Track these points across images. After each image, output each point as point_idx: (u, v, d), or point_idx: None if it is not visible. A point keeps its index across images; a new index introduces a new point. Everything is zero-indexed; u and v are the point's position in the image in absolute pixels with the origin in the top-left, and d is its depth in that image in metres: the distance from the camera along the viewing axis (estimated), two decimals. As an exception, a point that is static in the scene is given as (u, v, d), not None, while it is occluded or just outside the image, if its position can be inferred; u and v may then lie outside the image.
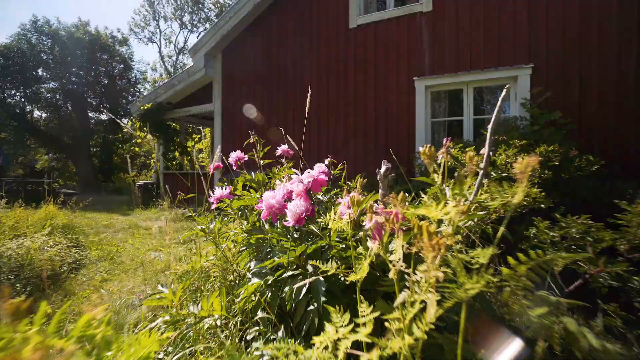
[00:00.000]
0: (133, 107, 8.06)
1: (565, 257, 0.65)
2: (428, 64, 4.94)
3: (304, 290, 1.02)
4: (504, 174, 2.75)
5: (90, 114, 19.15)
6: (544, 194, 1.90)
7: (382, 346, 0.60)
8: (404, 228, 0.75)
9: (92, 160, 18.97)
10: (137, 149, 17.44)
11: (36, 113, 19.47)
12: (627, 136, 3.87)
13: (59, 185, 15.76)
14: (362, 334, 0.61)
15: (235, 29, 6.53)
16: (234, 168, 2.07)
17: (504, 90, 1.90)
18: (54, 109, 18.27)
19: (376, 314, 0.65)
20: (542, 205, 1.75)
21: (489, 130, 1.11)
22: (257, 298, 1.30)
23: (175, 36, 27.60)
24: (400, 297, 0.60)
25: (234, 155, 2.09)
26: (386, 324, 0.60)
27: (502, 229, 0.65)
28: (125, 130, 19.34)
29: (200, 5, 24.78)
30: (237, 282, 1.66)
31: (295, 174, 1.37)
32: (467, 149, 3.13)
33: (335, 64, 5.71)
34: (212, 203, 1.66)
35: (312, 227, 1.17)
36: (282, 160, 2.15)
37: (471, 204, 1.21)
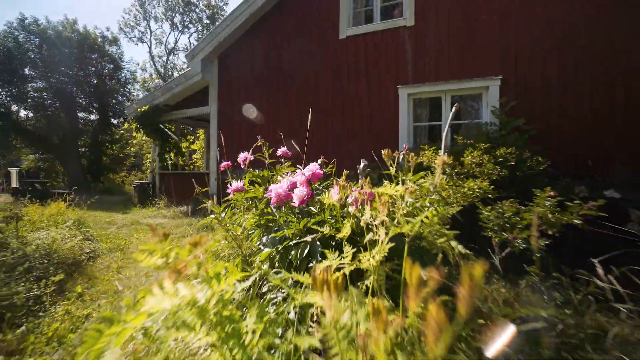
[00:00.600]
0: (129, 109, 8.29)
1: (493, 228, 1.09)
2: (410, 74, 5.43)
3: (306, 250, 1.44)
4: (470, 172, 3.24)
5: (79, 114, 19.01)
6: (492, 187, 2.37)
7: (357, 266, 1.02)
8: (370, 200, 1.18)
9: (80, 161, 18.84)
10: (132, 149, 17.45)
11: (22, 112, 19.21)
12: (579, 142, 4.43)
13: (49, 185, 15.64)
14: (346, 260, 1.03)
15: (232, 35, 6.89)
16: (242, 166, 2.44)
17: (454, 107, 2.40)
18: (41, 108, 18.09)
19: (354, 250, 1.07)
20: (490, 196, 2.22)
21: (443, 138, 1.55)
22: (268, 263, 1.71)
23: (166, 36, 27.54)
24: (368, 237, 1.02)
25: (242, 156, 2.46)
26: (359, 255, 1.03)
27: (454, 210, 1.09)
28: (118, 131, 19.30)
29: (192, 7, 24.87)
30: (248, 255, 2.06)
31: (298, 169, 1.79)
32: (439, 152, 3.60)
33: (327, 71, 6.15)
34: (230, 193, 2.04)
35: (311, 207, 1.58)
36: (282, 159, 2.56)
37: (432, 192, 1.65)
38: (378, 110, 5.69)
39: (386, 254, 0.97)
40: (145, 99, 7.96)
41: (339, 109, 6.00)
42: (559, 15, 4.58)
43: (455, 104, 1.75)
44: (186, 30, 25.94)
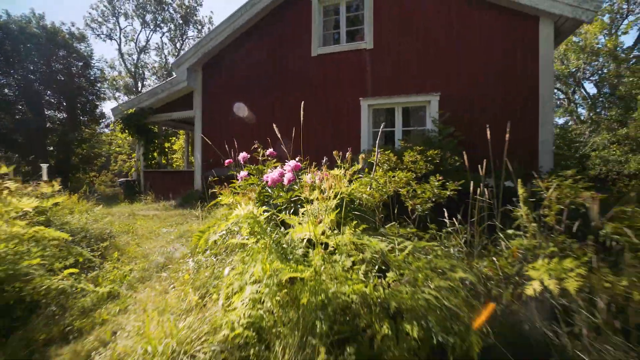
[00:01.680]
0: (115, 111, 8.78)
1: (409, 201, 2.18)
2: (370, 88, 6.61)
3: (292, 210, 2.45)
4: (408, 167, 4.41)
5: (48, 113, 18.49)
6: (415, 180, 3.52)
7: (320, 207, 2.05)
8: (329, 178, 2.23)
9: (48, 160, 18.33)
10: (117, 148, 17.32)
11: (-19, 110, 18.28)
12: (491, 146, 5.80)
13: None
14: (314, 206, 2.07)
15: (216, 47, 7.70)
16: (242, 163, 3.38)
17: (382, 125, 3.57)
18: (5, 106, 17.41)
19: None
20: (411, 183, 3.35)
21: (371, 144, 2.64)
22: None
23: (137, 34, 27.07)
24: (328, 194, 2.06)
25: (241, 155, 3.40)
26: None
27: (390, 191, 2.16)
28: (89, 130, 18.98)
29: (165, 5, 24.77)
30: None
31: (283, 164, 2.80)
32: (388, 152, 4.76)
33: (301, 82, 7.17)
34: (239, 179, 3.00)
35: (294, 186, 2.60)
36: (269, 158, 3.53)
37: (371, 179, 2.74)
38: (344, 117, 6.81)
39: (337, 204, 2.02)
40: (131, 102, 8.52)
41: (312, 115, 7.04)
42: (479, 51, 5.95)
43: (383, 123, 2.75)
44: (158, 29, 25.75)
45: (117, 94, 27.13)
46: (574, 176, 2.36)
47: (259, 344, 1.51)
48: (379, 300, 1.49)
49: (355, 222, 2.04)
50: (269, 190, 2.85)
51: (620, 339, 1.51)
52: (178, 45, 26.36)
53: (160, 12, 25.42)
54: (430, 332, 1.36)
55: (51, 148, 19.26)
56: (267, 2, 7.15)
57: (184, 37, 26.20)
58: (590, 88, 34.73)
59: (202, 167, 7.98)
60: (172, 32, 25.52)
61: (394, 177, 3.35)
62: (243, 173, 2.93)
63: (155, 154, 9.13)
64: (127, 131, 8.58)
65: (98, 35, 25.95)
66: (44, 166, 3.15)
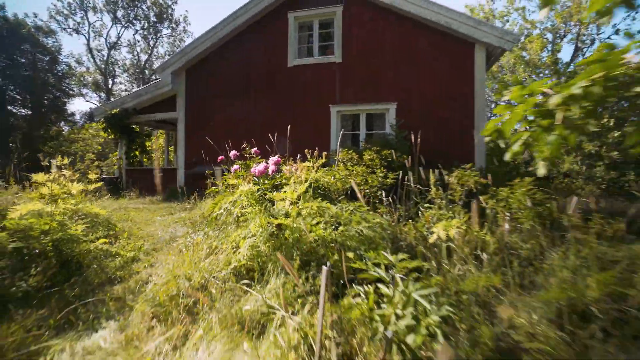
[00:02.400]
0: (98, 110, 9.13)
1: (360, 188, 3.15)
2: (338, 96, 7.62)
3: (275, 193, 3.35)
4: (367, 164, 5.43)
5: (12, 109, 17.81)
6: (371, 175, 4.54)
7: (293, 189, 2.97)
8: (301, 168, 3.17)
9: (11, 157, 17.65)
10: (99, 147, 17.03)
11: None
12: (437, 147, 7.04)
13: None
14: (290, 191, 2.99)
15: (200, 54, 8.36)
16: (232, 159, 4.22)
17: (341, 132, 4.66)
18: (-37, 101, 16.61)
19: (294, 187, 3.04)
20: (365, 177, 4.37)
21: (338, 144, 3.61)
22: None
23: (107, 30, 26.40)
24: (301, 181, 2.99)
25: (232, 153, 4.24)
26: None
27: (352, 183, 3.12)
28: (56, 128, 18.48)
29: (137, 2, 24.45)
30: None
31: (266, 161, 3.69)
32: (351, 151, 5.78)
33: (278, 89, 8.03)
34: (232, 172, 3.84)
35: (276, 176, 3.50)
36: (253, 155, 4.40)
37: (333, 171, 3.72)
38: (317, 121, 7.77)
39: (307, 187, 2.95)
40: (115, 102, 8.93)
41: (289, 118, 7.92)
42: (427, 69, 7.16)
43: (342, 130, 3.68)
44: (131, 25, 25.33)
45: (84, 91, 26.30)
46: (470, 168, 3.48)
47: (257, 271, 2.41)
48: (331, 240, 2.44)
49: (319, 198, 2.99)
50: (256, 179, 3.73)
51: (476, 263, 2.56)
52: (151, 43, 26.07)
53: (133, 8, 25.04)
54: (361, 257, 2.33)
55: (13, 145, 18.54)
56: (247, 17, 7.95)
57: (158, 35, 25.97)
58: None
59: (185, 165, 8.60)
60: (145, 29, 25.21)
61: (353, 171, 4.35)
62: (235, 167, 3.78)
63: (137, 153, 9.57)
64: (109, 130, 8.97)
65: (64, 28, 25.02)
66: (54, 162, 3.75)
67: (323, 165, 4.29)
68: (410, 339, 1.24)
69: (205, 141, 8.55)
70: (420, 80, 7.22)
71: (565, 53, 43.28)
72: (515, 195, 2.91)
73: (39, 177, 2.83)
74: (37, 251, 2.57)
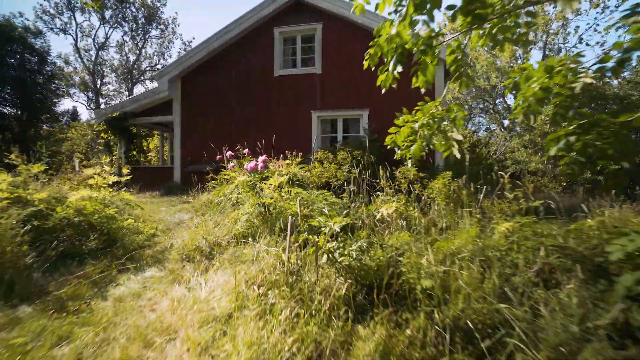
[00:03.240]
0: (98, 113, 9.91)
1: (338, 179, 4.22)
2: (319, 103, 8.70)
3: (263, 183, 4.39)
4: (340, 162, 6.54)
5: (4, 110, 18.06)
6: (339, 170, 5.64)
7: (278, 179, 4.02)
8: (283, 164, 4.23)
9: (2, 157, 17.93)
10: (99, 147, 17.48)
11: None
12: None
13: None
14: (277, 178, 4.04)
15: (195, 63, 9.27)
16: (228, 158, 5.23)
17: (319, 135, 5.88)
18: (-47, 101, 16.79)
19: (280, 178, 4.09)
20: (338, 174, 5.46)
21: (316, 145, 4.68)
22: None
23: (95, 30, 26.64)
24: (285, 173, 4.04)
25: (228, 153, 5.26)
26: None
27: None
28: (47, 128, 18.80)
29: (126, 4, 24.82)
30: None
31: (256, 160, 4.73)
32: (327, 152, 6.87)
33: (266, 96, 9.04)
34: (228, 168, 4.85)
35: (264, 171, 4.54)
36: (245, 155, 5.42)
37: (308, 167, 4.81)
38: (300, 125, 8.82)
39: (287, 179, 4.01)
40: (115, 106, 9.73)
41: (275, 122, 8.95)
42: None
43: (321, 133, 4.71)
44: (119, 26, 25.65)
45: (72, 91, 26.46)
46: (415, 165, 4.63)
47: (251, 236, 3.46)
48: (303, 214, 3.50)
49: (296, 187, 4.05)
50: (249, 174, 4.76)
51: (408, 232, 3.67)
52: (140, 44, 26.46)
53: (122, 9, 25.39)
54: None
55: (3, 145, 18.77)
56: (237, 31, 8.92)
57: (147, 36, 26.38)
58: (510, 99, 40.46)
59: (181, 163, 9.49)
60: (134, 31, 25.60)
61: (326, 167, 5.44)
62: (231, 164, 4.80)
63: (134, 152, 10.38)
64: (109, 132, 9.77)
65: (51, 28, 25.15)
66: (76, 160, 4.67)
67: (302, 163, 5.37)
68: (336, 254, 2.33)
69: (199, 142, 9.48)
70: (389, 89, 8.36)
71: (536, 59, 45.64)
72: (436, 184, 4.05)
73: (88, 171, 3.78)
74: (87, 225, 3.53)
